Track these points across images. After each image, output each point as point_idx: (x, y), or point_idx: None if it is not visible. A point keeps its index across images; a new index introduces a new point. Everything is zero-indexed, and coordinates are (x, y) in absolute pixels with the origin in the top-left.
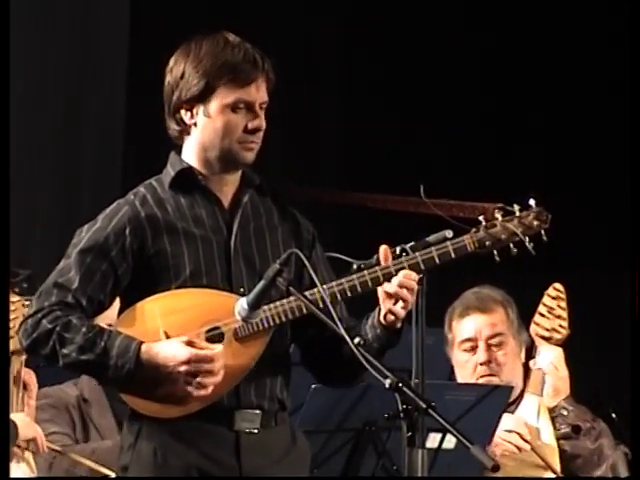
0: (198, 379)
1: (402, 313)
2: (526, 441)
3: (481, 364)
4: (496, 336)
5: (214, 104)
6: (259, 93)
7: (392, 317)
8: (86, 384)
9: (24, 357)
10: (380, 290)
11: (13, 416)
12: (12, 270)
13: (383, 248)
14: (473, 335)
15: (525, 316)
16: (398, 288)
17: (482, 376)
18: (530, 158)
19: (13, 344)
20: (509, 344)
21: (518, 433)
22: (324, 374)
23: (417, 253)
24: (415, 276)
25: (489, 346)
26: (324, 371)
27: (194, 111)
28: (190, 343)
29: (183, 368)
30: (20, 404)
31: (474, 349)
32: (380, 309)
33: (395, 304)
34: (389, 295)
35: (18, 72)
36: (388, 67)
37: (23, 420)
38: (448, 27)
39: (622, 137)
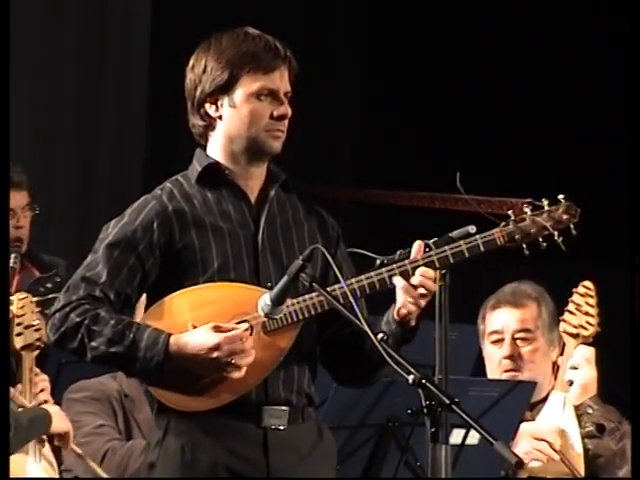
0: (232, 361)
1: (414, 308)
2: (556, 451)
3: (505, 358)
4: (523, 331)
5: (239, 93)
6: (282, 81)
7: (404, 311)
8: (125, 379)
9: (35, 353)
10: (396, 284)
11: (47, 407)
12: (42, 263)
13: (418, 243)
14: (500, 328)
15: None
16: (413, 288)
17: (506, 370)
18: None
19: (24, 340)
20: (537, 341)
21: (548, 442)
22: (341, 373)
23: (446, 247)
24: (431, 273)
25: (515, 340)
26: (342, 370)
27: (219, 103)
28: (217, 328)
29: (215, 354)
30: (31, 400)
31: (500, 342)
32: (395, 304)
33: (409, 299)
34: (404, 290)
35: (38, 65)
36: (408, 64)
37: (57, 412)
38: (463, 26)
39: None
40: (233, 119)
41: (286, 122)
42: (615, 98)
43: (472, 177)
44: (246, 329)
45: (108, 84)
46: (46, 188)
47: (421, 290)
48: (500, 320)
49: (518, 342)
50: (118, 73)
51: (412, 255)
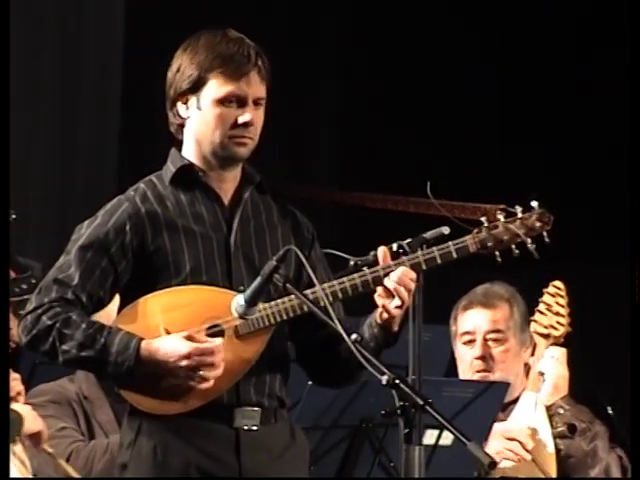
0: (200, 372)
1: (396, 312)
2: (528, 451)
3: (476, 358)
4: (495, 332)
5: (205, 96)
6: (251, 88)
7: (386, 315)
8: (84, 381)
9: None
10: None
11: (18, 407)
12: (18, 265)
13: (382, 249)
14: (472, 329)
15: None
16: (396, 285)
17: (477, 371)
18: (530, 156)
19: None
20: (509, 342)
21: (520, 442)
22: (319, 373)
23: (419, 253)
24: (414, 275)
25: (486, 341)
26: (319, 370)
27: (188, 104)
28: (190, 338)
29: (184, 362)
30: None
31: (472, 343)
32: (377, 308)
33: (390, 302)
34: (385, 292)
35: (13, 62)
36: (387, 65)
37: (29, 413)
38: (447, 26)
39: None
40: (199, 122)
41: (253, 128)
42: (615, 98)
43: (455, 180)
44: (219, 344)
45: (84, 85)
46: (24, 189)
47: (400, 295)
48: (472, 321)
49: (490, 343)
50: (93, 73)
51: (380, 261)
